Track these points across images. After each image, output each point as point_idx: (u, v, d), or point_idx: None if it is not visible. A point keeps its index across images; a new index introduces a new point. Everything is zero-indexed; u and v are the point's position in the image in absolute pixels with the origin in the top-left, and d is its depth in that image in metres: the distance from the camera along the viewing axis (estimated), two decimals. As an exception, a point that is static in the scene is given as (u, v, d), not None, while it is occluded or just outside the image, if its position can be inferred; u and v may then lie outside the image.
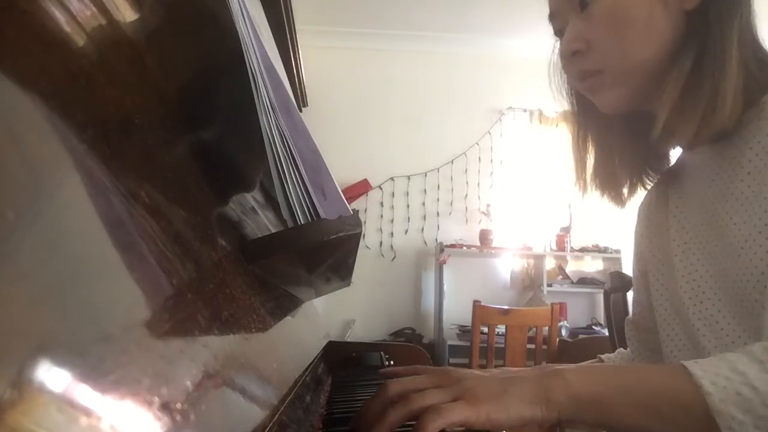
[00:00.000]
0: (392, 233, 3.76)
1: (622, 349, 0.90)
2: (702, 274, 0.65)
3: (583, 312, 3.72)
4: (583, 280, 3.66)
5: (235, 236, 0.48)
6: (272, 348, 0.48)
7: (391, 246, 3.75)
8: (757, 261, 0.56)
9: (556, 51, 0.73)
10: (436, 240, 3.72)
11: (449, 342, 3.33)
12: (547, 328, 2.53)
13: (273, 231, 0.64)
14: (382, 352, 1.11)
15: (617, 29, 0.61)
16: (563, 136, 3.65)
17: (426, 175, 3.80)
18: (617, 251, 3.61)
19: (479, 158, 3.82)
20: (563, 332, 3.07)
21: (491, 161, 3.83)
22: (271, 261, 0.50)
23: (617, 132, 0.72)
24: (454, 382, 0.48)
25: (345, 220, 0.51)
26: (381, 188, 3.78)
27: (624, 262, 3.56)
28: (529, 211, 3.76)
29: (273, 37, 0.96)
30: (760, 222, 0.57)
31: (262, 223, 0.65)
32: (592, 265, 3.80)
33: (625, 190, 0.74)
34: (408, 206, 3.79)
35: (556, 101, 0.77)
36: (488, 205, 3.74)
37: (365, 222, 3.68)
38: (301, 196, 0.49)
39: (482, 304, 2.52)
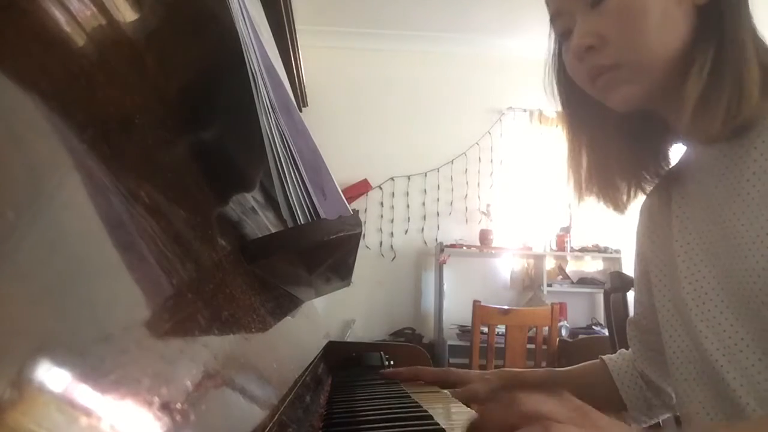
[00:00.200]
0: (392, 233, 3.76)
1: (623, 349, 0.90)
2: (705, 275, 0.65)
3: (583, 312, 3.72)
4: (583, 280, 3.66)
5: (235, 236, 0.48)
6: (272, 348, 0.48)
7: (391, 246, 3.75)
8: (765, 263, 0.56)
9: (551, 53, 0.73)
10: (436, 240, 3.72)
11: (449, 342, 3.33)
12: (547, 328, 2.53)
13: (273, 231, 0.64)
14: (382, 352, 1.11)
15: (635, 22, 0.60)
16: (563, 136, 3.65)
17: (426, 175, 3.81)
18: (617, 251, 3.61)
19: (479, 158, 3.82)
20: (563, 332, 3.07)
21: (491, 161, 3.83)
22: (271, 261, 0.50)
23: (613, 137, 0.71)
24: (592, 424, 0.41)
25: (345, 220, 0.51)
26: (381, 188, 3.78)
27: (624, 262, 3.57)
28: (529, 211, 3.76)
29: (273, 37, 0.97)
30: None
31: (262, 223, 0.65)
32: (592, 265, 3.80)
33: (624, 197, 0.74)
34: (408, 206, 3.79)
35: (551, 104, 0.77)
36: (488, 205, 3.74)
37: (365, 222, 3.68)
38: (301, 196, 0.49)
39: (482, 304, 2.52)
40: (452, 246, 3.56)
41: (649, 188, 0.76)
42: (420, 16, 3.57)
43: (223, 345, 0.33)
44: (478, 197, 3.79)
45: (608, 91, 0.64)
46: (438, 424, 0.55)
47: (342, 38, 3.77)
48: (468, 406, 0.72)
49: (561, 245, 3.64)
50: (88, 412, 0.17)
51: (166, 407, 0.22)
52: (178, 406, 0.23)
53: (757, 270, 0.57)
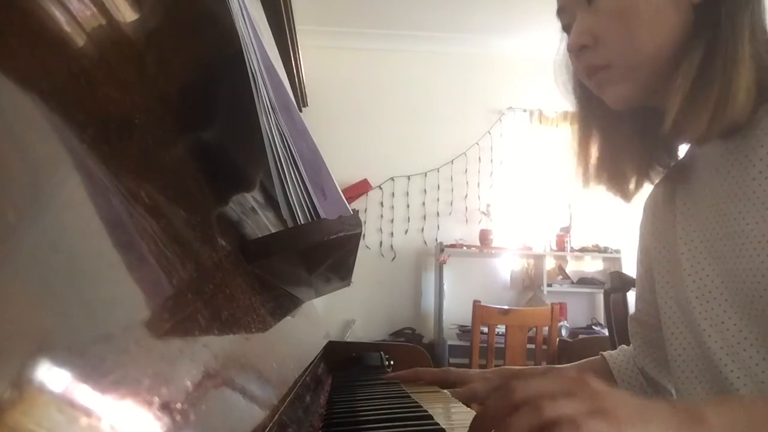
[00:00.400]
0: (392, 233, 3.76)
1: (624, 345, 0.90)
2: (708, 273, 0.64)
3: (583, 312, 3.72)
4: (583, 280, 3.66)
5: (235, 236, 0.48)
6: (272, 348, 0.48)
7: (391, 246, 3.75)
8: None
9: (563, 46, 0.73)
10: (436, 240, 3.72)
11: (449, 342, 3.33)
12: (547, 328, 2.53)
13: (273, 231, 0.64)
14: (382, 352, 1.12)
15: (624, 23, 0.60)
16: (563, 136, 3.65)
17: (426, 175, 3.80)
18: (617, 251, 3.61)
19: (479, 158, 3.82)
20: (563, 332, 3.07)
21: (491, 161, 3.82)
22: (271, 261, 0.50)
23: (625, 127, 0.71)
24: (590, 394, 0.41)
25: (345, 220, 0.51)
26: (381, 188, 3.78)
27: (624, 262, 3.56)
28: (529, 211, 3.76)
29: (273, 37, 0.97)
30: None
31: (262, 223, 0.65)
32: (592, 265, 3.80)
33: (632, 186, 0.73)
34: (408, 206, 3.79)
35: (561, 97, 0.76)
36: (488, 205, 3.74)
37: (365, 222, 3.67)
38: (301, 196, 0.49)
39: (482, 304, 2.52)
40: (452, 246, 3.55)
41: (656, 179, 0.75)
42: (420, 16, 3.57)
43: (223, 345, 0.33)
44: (478, 197, 3.78)
45: (602, 90, 0.65)
46: (438, 424, 0.55)
47: (342, 38, 3.77)
48: (468, 406, 0.72)
49: (561, 245, 3.64)
50: (88, 412, 0.17)
51: (166, 407, 0.22)
52: (178, 406, 0.23)
53: (762, 269, 0.56)
